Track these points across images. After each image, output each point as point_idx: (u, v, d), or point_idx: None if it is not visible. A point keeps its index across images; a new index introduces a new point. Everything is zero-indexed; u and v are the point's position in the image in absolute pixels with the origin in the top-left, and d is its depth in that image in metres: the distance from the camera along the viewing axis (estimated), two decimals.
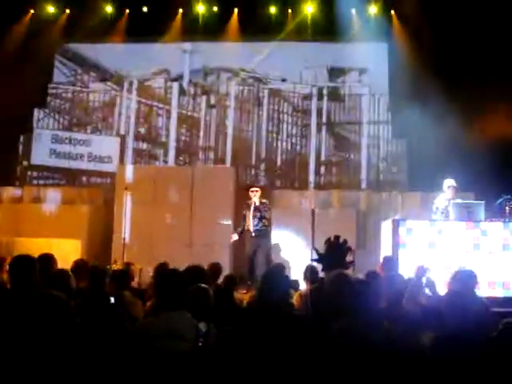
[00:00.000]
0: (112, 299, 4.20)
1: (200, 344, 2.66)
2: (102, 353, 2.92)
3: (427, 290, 5.02)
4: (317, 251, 3.47)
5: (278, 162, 12.92)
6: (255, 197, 9.43)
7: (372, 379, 2.34)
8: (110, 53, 13.18)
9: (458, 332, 2.94)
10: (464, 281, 4.67)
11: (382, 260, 6.12)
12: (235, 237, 9.56)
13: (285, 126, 13.06)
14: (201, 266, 5.10)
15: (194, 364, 2.53)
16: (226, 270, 8.50)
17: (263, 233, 9.38)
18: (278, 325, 2.96)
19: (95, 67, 13.41)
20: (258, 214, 9.33)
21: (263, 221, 9.35)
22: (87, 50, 13.36)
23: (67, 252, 9.44)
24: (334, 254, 3.43)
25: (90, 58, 13.40)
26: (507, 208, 7.57)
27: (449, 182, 8.59)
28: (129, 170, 11.08)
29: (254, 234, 9.29)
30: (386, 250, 7.91)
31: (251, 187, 9.74)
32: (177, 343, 2.78)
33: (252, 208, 9.36)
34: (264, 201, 9.56)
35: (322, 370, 2.68)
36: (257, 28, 12.33)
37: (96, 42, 12.95)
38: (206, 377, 2.63)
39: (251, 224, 9.28)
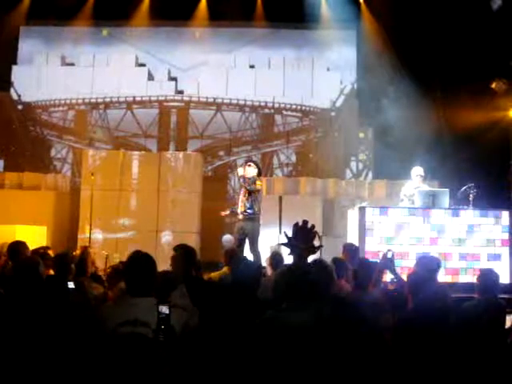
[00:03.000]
0: (71, 285, 4.16)
1: (162, 327, 2.66)
2: (49, 336, 2.92)
3: (391, 274, 5.10)
4: (286, 235, 3.51)
5: None
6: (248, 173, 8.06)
7: (336, 360, 2.39)
8: (77, 36, 12.96)
9: (418, 314, 3.00)
10: (426, 266, 4.76)
11: (342, 247, 6.21)
12: (227, 211, 8.58)
13: None
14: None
15: (157, 348, 2.54)
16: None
17: (249, 216, 7.98)
18: (244, 307, 2.98)
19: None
20: (247, 194, 7.97)
21: (250, 201, 7.94)
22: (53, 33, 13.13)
23: (33, 239, 9.32)
24: (300, 238, 3.46)
25: (56, 42, 13.17)
26: (471, 196, 7.69)
27: (417, 171, 8.65)
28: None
29: (240, 217, 8.05)
30: (352, 237, 7.99)
31: (247, 162, 8.40)
32: (140, 329, 2.79)
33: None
34: (251, 177, 8.01)
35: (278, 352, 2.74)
36: (225, 15, 12.23)
37: (62, 25, 12.73)
38: (170, 359, 2.65)
39: (239, 205, 8.06)
